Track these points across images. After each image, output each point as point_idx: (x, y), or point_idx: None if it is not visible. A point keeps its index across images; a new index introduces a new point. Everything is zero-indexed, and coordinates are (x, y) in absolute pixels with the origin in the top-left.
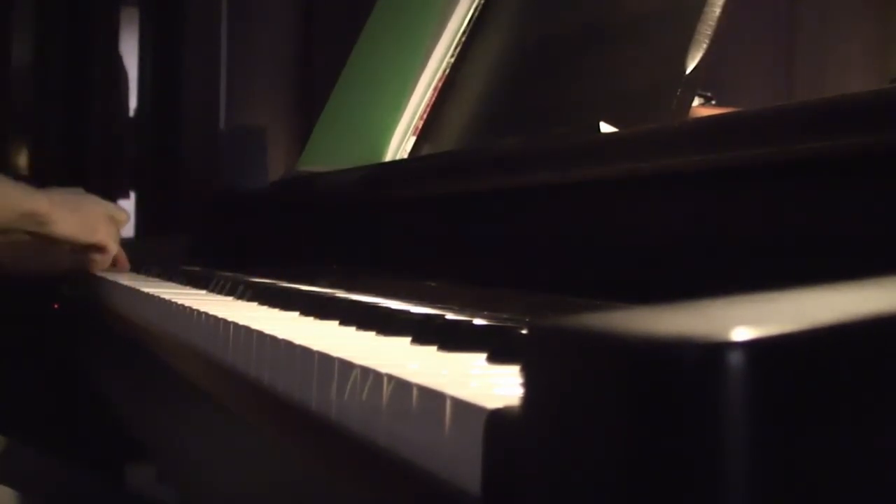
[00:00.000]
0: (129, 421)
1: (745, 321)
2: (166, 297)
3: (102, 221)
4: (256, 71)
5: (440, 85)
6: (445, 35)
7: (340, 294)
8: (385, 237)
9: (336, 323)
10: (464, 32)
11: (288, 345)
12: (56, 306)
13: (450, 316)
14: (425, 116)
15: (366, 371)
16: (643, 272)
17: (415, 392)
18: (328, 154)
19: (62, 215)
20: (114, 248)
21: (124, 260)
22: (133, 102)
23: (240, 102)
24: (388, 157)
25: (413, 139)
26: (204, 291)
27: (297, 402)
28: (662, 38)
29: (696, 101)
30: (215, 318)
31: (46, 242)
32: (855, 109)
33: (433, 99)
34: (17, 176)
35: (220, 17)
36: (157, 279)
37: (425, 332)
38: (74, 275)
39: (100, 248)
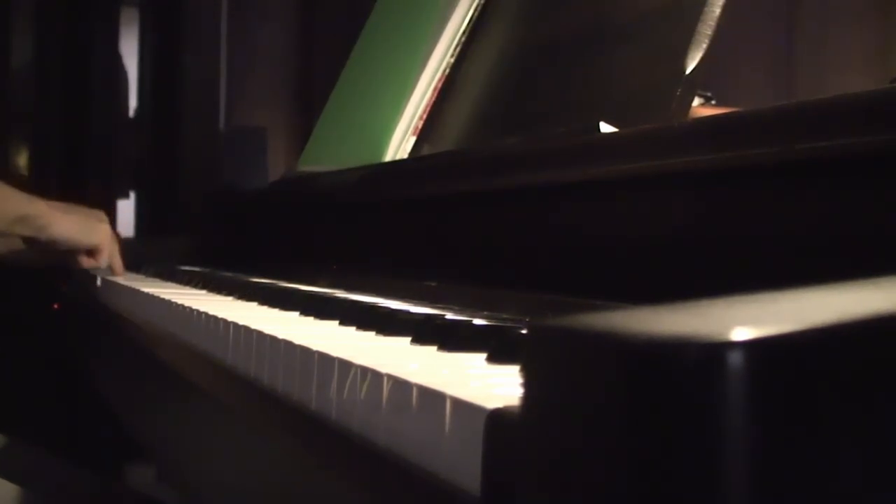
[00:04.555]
0: (129, 421)
1: (745, 321)
2: (166, 296)
3: (99, 224)
4: (256, 71)
5: (440, 85)
6: (445, 35)
7: (340, 294)
8: (385, 237)
9: (336, 323)
10: (464, 32)
11: (288, 345)
12: (56, 306)
13: (450, 316)
14: (425, 116)
15: (365, 371)
16: (643, 272)
17: (414, 392)
18: (328, 154)
19: (59, 217)
20: (108, 251)
21: (120, 265)
22: (133, 102)
23: (240, 102)
24: (388, 157)
25: (413, 139)
26: (204, 291)
27: (297, 401)
28: (662, 38)
29: (696, 101)
30: (215, 318)
31: (45, 248)
32: (855, 109)
33: (433, 99)
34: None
35: (220, 17)
36: (156, 279)
37: (425, 332)
38: (74, 274)
39: (96, 252)
